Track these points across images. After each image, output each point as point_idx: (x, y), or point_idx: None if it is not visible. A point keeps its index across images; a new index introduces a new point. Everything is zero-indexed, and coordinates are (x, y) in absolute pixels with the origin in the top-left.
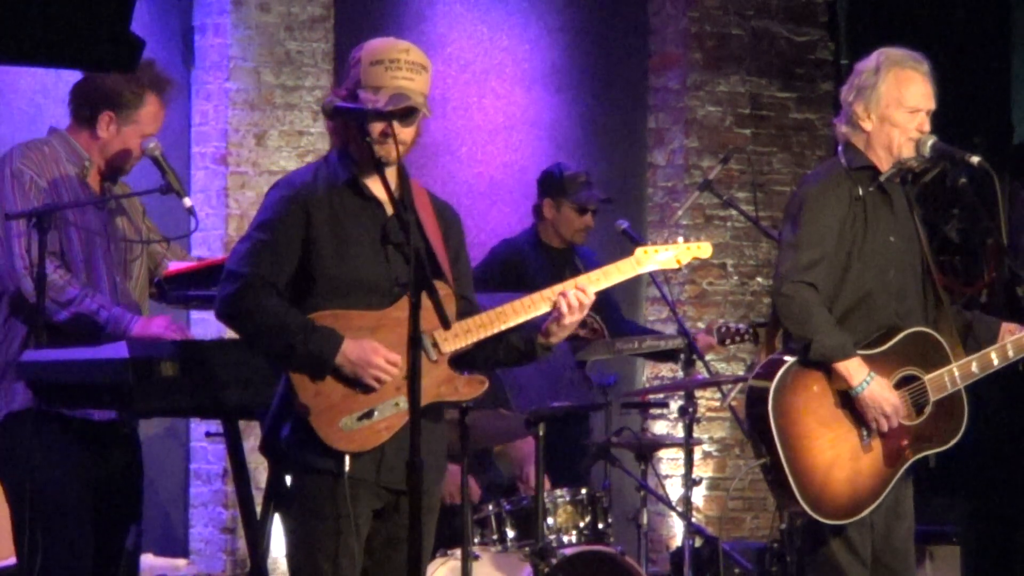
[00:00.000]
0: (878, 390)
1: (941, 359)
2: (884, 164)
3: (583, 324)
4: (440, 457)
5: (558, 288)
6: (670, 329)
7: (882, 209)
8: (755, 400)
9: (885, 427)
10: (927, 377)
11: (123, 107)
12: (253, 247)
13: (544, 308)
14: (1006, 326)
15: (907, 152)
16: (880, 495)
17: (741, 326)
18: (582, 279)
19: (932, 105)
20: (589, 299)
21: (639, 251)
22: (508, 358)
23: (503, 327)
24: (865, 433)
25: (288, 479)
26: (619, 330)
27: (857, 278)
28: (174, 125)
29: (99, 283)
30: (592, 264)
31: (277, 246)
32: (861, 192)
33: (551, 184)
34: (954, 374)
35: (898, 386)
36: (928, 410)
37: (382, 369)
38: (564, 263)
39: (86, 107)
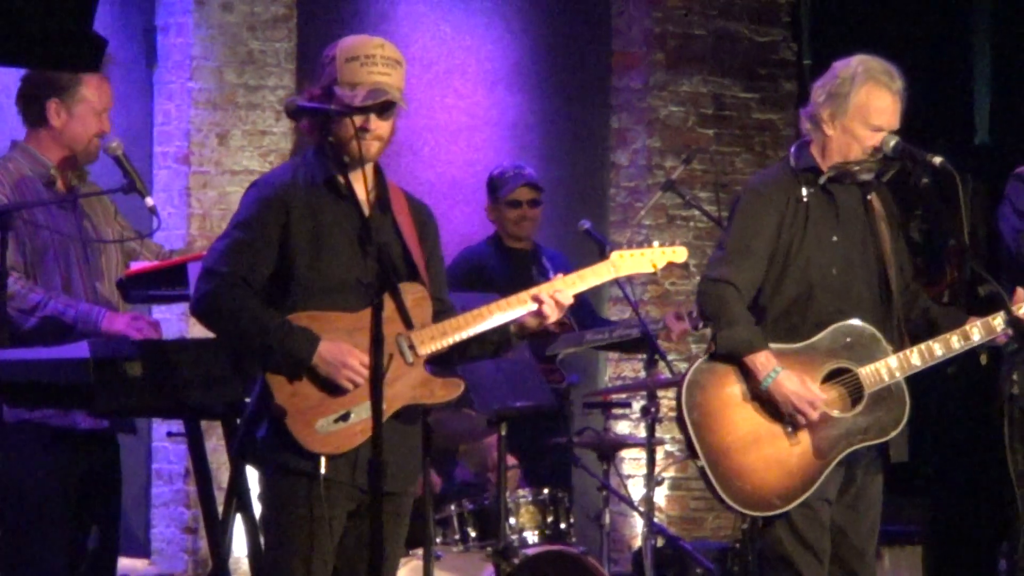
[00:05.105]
0: (786, 384)
1: (877, 351)
2: None
3: None
4: (415, 460)
5: (533, 291)
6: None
7: (825, 210)
8: (676, 397)
9: (802, 420)
10: (860, 370)
11: (64, 89)
12: (231, 245)
13: (520, 311)
14: (972, 320)
15: None
16: (811, 487)
17: None
18: (558, 283)
19: (896, 125)
20: (567, 301)
21: (615, 255)
22: (482, 352)
23: (479, 329)
24: (789, 426)
25: (263, 479)
26: (590, 326)
27: (798, 276)
28: (136, 124)
29: (73, 285)
30: (559, 263)
31: (255, 245)
32: (804, 193)
33: (488, 187)
34: (890, 366)
35: (829, 378)
36: (864, 402)
37: (355, 371)
38: (528, 264)
39: (33, 104)
